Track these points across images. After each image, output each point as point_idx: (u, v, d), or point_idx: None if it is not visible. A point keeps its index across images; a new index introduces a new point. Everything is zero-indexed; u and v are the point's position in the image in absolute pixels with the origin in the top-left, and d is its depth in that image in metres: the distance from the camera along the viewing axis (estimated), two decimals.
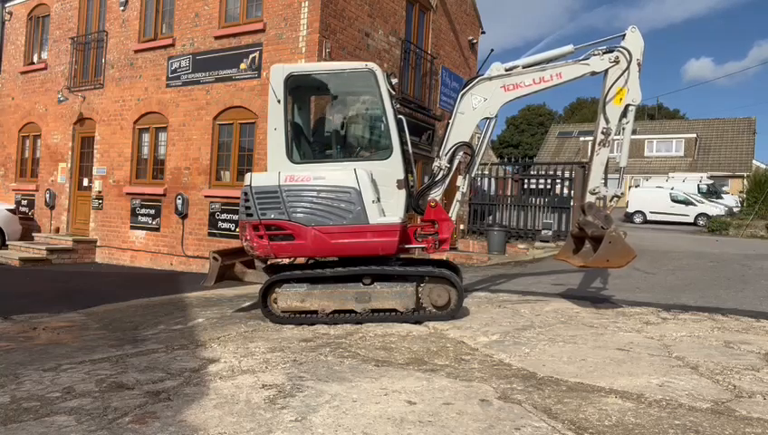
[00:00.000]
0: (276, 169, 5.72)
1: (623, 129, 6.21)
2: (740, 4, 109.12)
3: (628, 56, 6.07)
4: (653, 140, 40.47)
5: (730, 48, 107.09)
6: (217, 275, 6.11)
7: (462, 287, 5.97)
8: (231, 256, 6.33)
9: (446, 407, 3.38)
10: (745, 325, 5.76)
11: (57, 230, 14.72)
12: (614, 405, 3.40)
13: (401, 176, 5.77)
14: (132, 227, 13.10)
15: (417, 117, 13.53)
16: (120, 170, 13.47)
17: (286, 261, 6.25)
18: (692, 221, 24.82)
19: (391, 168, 5.76)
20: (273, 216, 5.56)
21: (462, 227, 15.11)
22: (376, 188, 5.61)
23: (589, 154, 6.42)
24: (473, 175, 6.61)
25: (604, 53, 6.11)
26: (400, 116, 5.87)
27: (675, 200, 26.05)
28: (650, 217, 25.99)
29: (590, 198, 6.25)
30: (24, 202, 15.74)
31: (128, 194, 13.21)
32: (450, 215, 6.22)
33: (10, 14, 16.47)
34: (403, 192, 5.77)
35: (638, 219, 25.90)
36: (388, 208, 5.67)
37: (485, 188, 16.18)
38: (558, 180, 14.77)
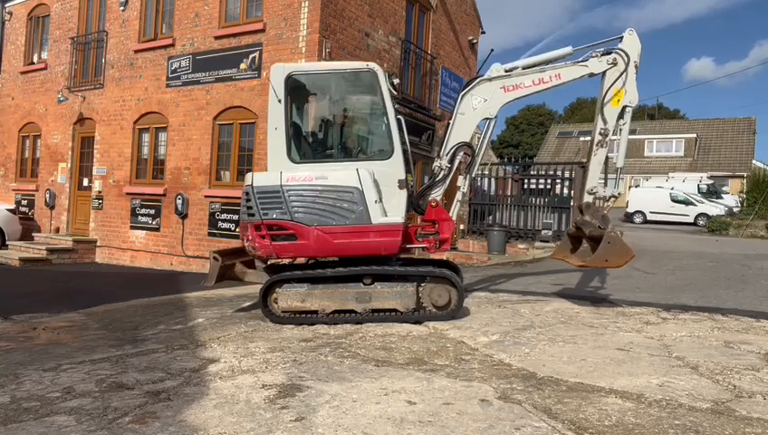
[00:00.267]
0: (277, 168, 5.71)
1: (620, 130, 6.28)
2: (740, 3, 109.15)
3: (625, 58, 6.14)
4: (653, 140, 40.47)
5: (731, 48, 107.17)
6: (218, 275, 6.11)
7: (462, 287, 5.97)
8: (231, 256, 6.33)
9: (446, 407, 3.38)
10: (745, 325, 5.76)
11: (57, 230, 14.72)
12: (614, 405, 3.40)
13: (402, 176, 5.77)
14: (132, 227, 13.10)
15: (417, 117, 13.53)
16: (119, 170, 13.47)
17: (286, 261, 6.25)
18: (692, 221, 24.82)
19: (392, 168, 5.76)
20: (275, 216, 5.55)
21: (462, 227, 15.12)
22: (378, 188, 5.61)
23: (587, 154, 6.50)
24: (473, 175, 6.61)
25: (602, 55, 6.17)
26: (399, 116, 5.88)
27: (675, 200, 26.05)
28: (650, 217, 25.99)
29: (587, 198, 6.31)
30: (24, 202, 15.74)
31: (128, 194, 13.21)
32: (451, 215, 6.23)
33: (10, 14, 16.47)
34: (404, 192, 5.77)
35: (637, 219, 25.89)
36: (390, 208, 5.66)
37: (485, 188, 16.18)
38: (558, 180, 14.76)
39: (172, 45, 12.50)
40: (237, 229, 11.20)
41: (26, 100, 15.94)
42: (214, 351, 4.74)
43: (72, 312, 6.85)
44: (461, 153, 6.23)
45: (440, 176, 6.21)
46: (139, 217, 12.98)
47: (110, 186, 13.64)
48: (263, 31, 11.06)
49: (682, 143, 39.65)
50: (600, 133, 6.21)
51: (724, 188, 32.52)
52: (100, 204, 13.82)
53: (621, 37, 6.20)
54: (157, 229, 12.61)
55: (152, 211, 12.73)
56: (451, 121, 6.24)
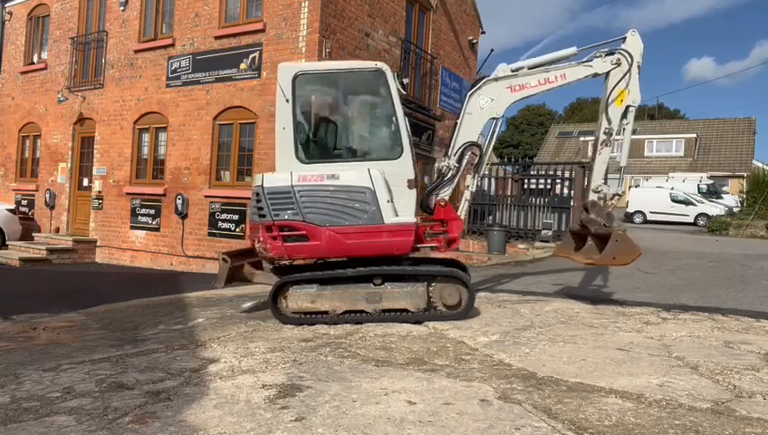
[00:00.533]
0: (284, 168, 5.67)
1: (623, 129, 6.35)
2: (740, 3, 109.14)
3: (629, 59, 6.19)
4: (653, 140, 40.46)
5: (731, 48, 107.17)
6: (227, 277, 6.10)
7: (473, 287, 5.95)
8: (239, 258, 6.30)
9: (446, 407, 3.38)
10: (745, 325, 5.76)
11: (57, 230, 14.72)
12: (614, 405, 3.40)
13: (412, 175, 5.76)
14: (132, 227, 13.10)
15: (418, 117, 13.53)
16: (120, 170, 13.47)
17: (298, 262, 6.23)
18: (692, 221, 24.82)
19: (402, 167, 5.73)
20: (286, 216, 5.52)
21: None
22: (389, 188, 5.60)
23: (591, 154, 6.56)
24: (481, 174, 6.65)
25: (606, 56, 6.23)
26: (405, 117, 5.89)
27: (675, 200, 26.05)
28: (650, 217, 25.99)
29: (592, 197, 6.35)
30: (24, 202, 15.74)
31: (128, 194, 13.22)
32: (459, 214, 6.24)
33: (10, 14, 16.47)
34: (414, 192, 5.76)
35: (638, 219, 25.90)
36: (400, 208, 5.65)
37: (485, 188, 16.18)
38: (558, 180, 14.76)
39: (172, 45, 12.50)
40: (238, 229, 11.21)
41: (26, 100, 15.94)
42: (214, 351, 4.74)
43: (72, 312, 6.85)
44: (469, 153, 6.24)
45: (448, 175, 6.21)
46: (139, 217, 12.99)
47: (110, 186, 13.64)
48: (263, 31, 11.07)
49: (682, 143, 39.65)
50: (605, 133, 6.28)
51: (724, 188, 32.52)
52: (100, 204, 13.83)
53: (624, 38, 6.26)
54: (157, 229, 12.62)
55: (152, 211, 12.73)
56: (458, 121, 6.24)
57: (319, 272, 5.76)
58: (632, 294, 7.69)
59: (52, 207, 14.93)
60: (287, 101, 5.72)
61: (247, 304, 7.04)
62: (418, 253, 6.30)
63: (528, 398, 3.52)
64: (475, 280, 9.03)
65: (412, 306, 5.66)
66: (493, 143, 6.48)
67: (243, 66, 11.31)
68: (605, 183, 6.36)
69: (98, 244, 13.79)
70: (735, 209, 24.67)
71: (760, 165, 36.09)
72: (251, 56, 11.22)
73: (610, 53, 6.22)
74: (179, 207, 12.07)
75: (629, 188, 31.13)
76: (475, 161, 6.28)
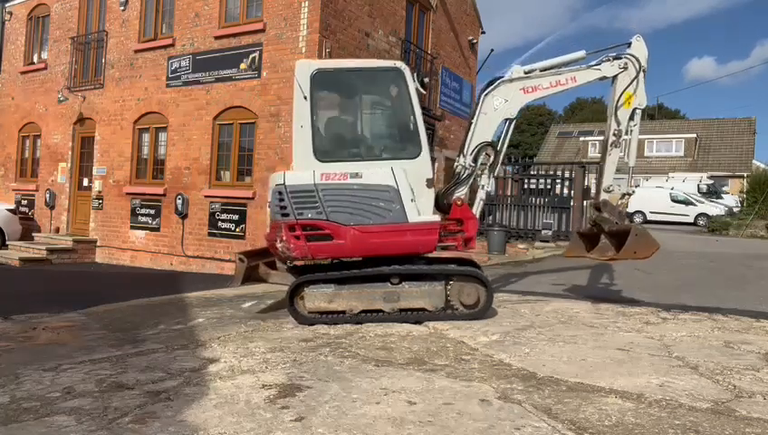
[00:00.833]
0: (303, 167, 5.59)
1: (631, 130, 6.54)
2: (742, 3, 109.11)
3: (636, 64, 6.37)
4: (653, 140, 40.42)
5: (732, 48, 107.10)
6: (243, 277, 6.08)
7: (491, 286, 5.94)
8: (254, 258, 6.28)
9: (446, 407, 3.38)
10: (745, 325, 5.76)
11: (57, 230, 14.73)
12: (614, 405, 3.40)
13: (430, 175, 5.78)
14: (132, 227, 13.10)
15: None
16: (120, 170, 13.47)
17: (309, 262, 6.21)
18: (692, 221, 24.83)
19: (420, 167, 5.73)
20: (310, 215, 5.46)
21: None
22: (411, 187, 5.61)
23: (600, 155, 6.73)
24: (495, 174, 6.73)
25: (614, 60, 6.38)
26: None
27: (675, 200, 26.05)
28: (650, 217, 25.99)
29: (604, 196, 6.49)
30: (24, 202, 15.74)
31: (128, 194, 13.22)
32: (475, 213, 6.26)
33: (10, 14, 16.47)
34: (432, 191, 5.77)
35: (638, 219, 25.88)
36: (420, 207, 5.65)
37: None
38: (558, 180, 14.76)
39: (172, 45, 12.50)
40: (237, 229, 11.21)
41: (26, 100, 15.94)
42: (214, 351, 4.74)
43: (72, 312, 6.84)
44: (484, 153, 6.27)
45: (464, 175, 6.23)
46: (139, 217, 12.99)
47: (111, 186, 13.64)
48: (263, 31, 11.07)
49: (682, 143, 39.63)
50: (614, 134, 6.46)
51: (724, 188, 32.51)
52: (100, 204, 13.83)
53: (629, 43, 6.43)
54: (157, 229, 12.62)
55: (152, 211, 12.73)
56: (473, 121, 6.27)
57: (337, 272, 5.70)
58: (632, 294, 7.69)
59: (52, 207, 14.93)
60: (305, 98, 5.62)
61: (247, 304, 7.04)
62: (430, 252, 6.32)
63: (528, 398, 3.52)
64: None
65: (430, 306, 5.66)
66: (507, 143, 6.53)
67: (243, 66, 11.31)
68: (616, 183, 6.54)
69: (98, 244, 13.79)
70: (735, 209, 24.68)
71: (760, 165, 36.12)
72: (251, 56, 11.22)
73: (617, 58, 6.37)
74: (179, 207, 12.07)
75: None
76: (490, 161, 6.31)
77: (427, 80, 6.02)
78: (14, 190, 16.14)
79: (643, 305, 6.78)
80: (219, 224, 11.57)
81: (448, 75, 15.40)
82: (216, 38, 11.75)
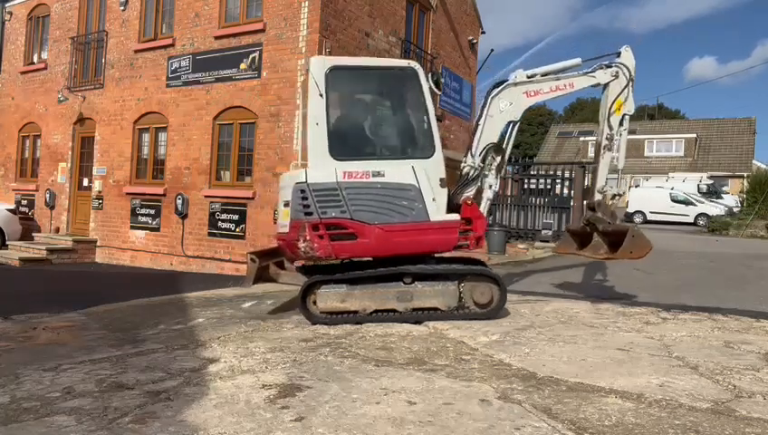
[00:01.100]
0: (318, 165, 5.53)
1: (621, 135, 6.86)
2: (743, 3, 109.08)
3: (627, 73, 6.70)
4: (653, 140, 40.45)
5: (733, 47, 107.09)
6: (255, 277, 6.07)
7: (505, 285, 5.94)
8: (265, 258, 6.25)
9: (446, 407, 3.38)
10: (745, 325, 5.76)
11: (57, 230, 14.72)
12: (614, 405, 3.40)
13: (443, 175, 5.81)
14: (132, 227, 13.10)
15: None
16: (120, 170, 13.47)
17: (334, 261, 6.21)
18: (692, 221, 24.83)
19: (434, 166, 5.76)
20: (334, 214, 5.42)
21: None
22: (431, 186, 5.65)
23: (594, 158, 7.06)
24: (502, 174, 6.90)
25: (606, 68, 6.71)
26: None
27: (675, 200, 26.05)
28: (650, 217, 25.99)
29: (598, 197, 6.74)
30: (24, 202, 15.74)
31: (128, 194, 13.22)
32: (483, 212, 6.31)
33: (10, 14, 16.47)
34: (445, 190, 5.80)
35: (638, 219, 25.88)
36: (438, 206, 5.72)
37: None
38: (558, 180, 14.76)
39: (172, 45, 12.50)
40: (237, 229, 11.21)
41: (26, 100, 15.94)
42: (214, 351, 4.74)
43: (72, 312, 6.84)
44: (491, 154, 6.35)
45: (473, 175, 6.28)
46: (139, 217, 12.99)
47: (111, 186, 13.64)
48: (263, 31, 11.07)
49: (682, 143, 39.65)
50: (607, 138, 6.80)
51: (724, 188, 32.52)
52: (100, 204, 13.83)
53: (619, 53, 6.79)
54: (157, 229, 12.62)
55: (152, 211, 12.73)
56: (481, 123, 6.37)
57: (356, 271, 5.68)
58: (632, 294, 7.69)
59: (52, 207, 14.92)
60: (321, 95, 5.57)
61: (247, 304, 7.05)
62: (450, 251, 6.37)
63: (528, 398, 3.52)
64: None
65: (443, 305, 5.67)
66: (511, 145, 6.67)
67: (243, 66, 11.31)
68: (609, 184, 6.82)
69: (98, 244, 13.78)
70: (735, 209, 24.67)
71: (760, 165, 36.13)
72: (251, 56, 11.22)
73: (609, 66, 6.71)
74: (179, 207, 12.07)
75: (630, 188, 31.12)
76: (497, 162, 6.39)
77: (442, 80, 6.05)
78: (14, 190, 16.14)
79: (643, 305, 6.79)
80: (219, 224, 11.57)
81: (448, 75, 15.39)
82: (216, 38, 11.75)
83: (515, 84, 6.42)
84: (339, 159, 5.57)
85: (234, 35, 11.52)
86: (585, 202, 7.23)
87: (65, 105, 14.76)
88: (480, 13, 17.20)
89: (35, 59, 15.97)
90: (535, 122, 59.61)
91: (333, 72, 5.68)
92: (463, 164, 6.36)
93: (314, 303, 5.68)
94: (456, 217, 5.75)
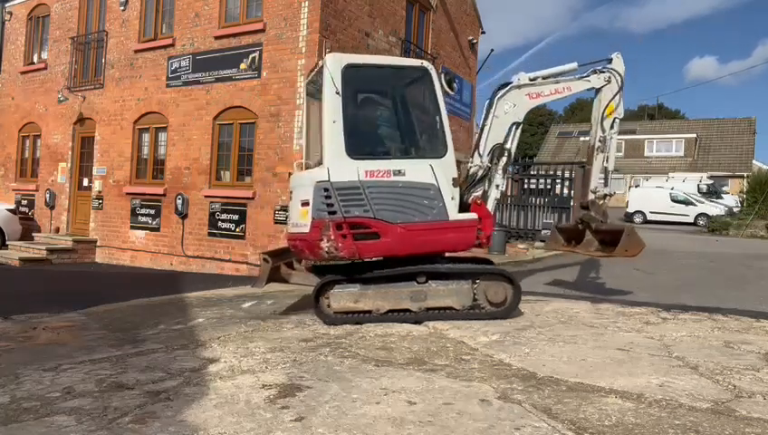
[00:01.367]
0: (334, 163, 5.47)
1: (611, 138, 7.12)
2: (743, 3, 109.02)
3: (618, 78, 6.94)
4: (653, 140, 40.46)
5: (734, 47, 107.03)
6: (267, 277, 6.07)
7: (519, 284, 5.96)
8: (276, 258, 6.23)
9: (446, 407, 3.38)
10: (745, 325, 5.76)
11: (57, 230, 14.72)
12: (614, 405, 3.40)
13: (456, 174, 5.85)
14: (132, 227, 13.10)
15: None
16: (120, 170, 13.46)
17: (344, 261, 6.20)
18: (692, 221, 24.82)
19: (447, 166, 5.79)
20: (357, 213, 5.40)
21: None
22: (448, 186, 5.69)
23: (587, 159, 7.30)
24: (508, 174, 7.10)
25: (600, 73, 6.97)
26: None
27: (675, 200, 26.05)
28: (650, 217, 25.98)
29: (591, 196, 6.99)
30: (24, 202, 15.74)
31: (128, 194, 13.21)
32: (490, 211, 6.37)
33: (10, 14, 16.46)
34: (457, 190, 5.84)
35: (638, 219, 25.89)
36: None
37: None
38: (558, 180, 14.76)
39: (172, 45, 12.50)
40: (237, 229, 11.20)
41: (26, 100, 15.94)
42: (214, 351, 4.74)
43: (72, 312, 6.85)
44: (497, 154, 6.42)
45: (480, 175, 6.34)
46: (139, 217, 12.98)
47: (110, 186, 13.64)
48: (263, 31, 11.06)
49: (682, 143, 39.65)
50: (600, 141, 7.06)
51: (724, 188, 32.53)
52: (100, 204, 13.82)
53: (611, 59, 7.06)
54: (157, 229, 12.61)
55: (152, 211, 12.73)
56: (487, 124, 6.44)
57: (371, 271, 5.66)
58: (632, 294, 7.70)
59: (52, 207, 14.92)
60: (337, 93, 5.53)
61: (247, 304, 7.05)
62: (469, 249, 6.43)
63: (528, 398, 3.52)
64: None
65: (457, 304, 5.67)
66: (515, 146, 6.77)
67: (243, 66, 11.30)
68: (602, 184, 7.08)
69: (98, 244, 13.77)
70: (735, 209, 24.68)
71: (760, 165, 36.13)
72: (251, 56, 11.21)
73: (602, 71, 6.97)
74: (179, 207, 12.07)
75: (629, 188, 31.12)
76: (502, 163, 6.47)
77: (455, 81, 6.09)
78: (14, 190, 16.13)
79: (643, 305, 6.79)
80: (219, 224, 11.56)
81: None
82: (216, 38, 11.75)
83: (519, 87, 6.56)
84: (355, 158, 5.52)
85: (234, 35, 11.51)
86: (579, 202, 7.50)
87: (65, 105, 14.76)
88: (480, 13, 17.20)
89: (35, 59, 15.96)
90: (535, 122, 59.61)
91: (349, 69, 5.65)
92: (470, 164, 6.40)
93: (328, 303, 5.67)
94: (473, 216, 5.80)
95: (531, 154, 47.38)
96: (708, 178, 31.30)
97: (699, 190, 28.04)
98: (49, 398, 3.56)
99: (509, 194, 15.58)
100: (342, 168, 5.46)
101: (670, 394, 3.59)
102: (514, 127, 6.55)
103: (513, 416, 3.23)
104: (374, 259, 5.82)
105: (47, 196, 14.94)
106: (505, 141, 6.51)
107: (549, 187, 14.96)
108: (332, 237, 5.38)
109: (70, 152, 14.72)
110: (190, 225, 12.03)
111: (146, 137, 13.25)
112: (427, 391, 3.66)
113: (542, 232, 13.98)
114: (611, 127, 7.07)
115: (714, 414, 3.26)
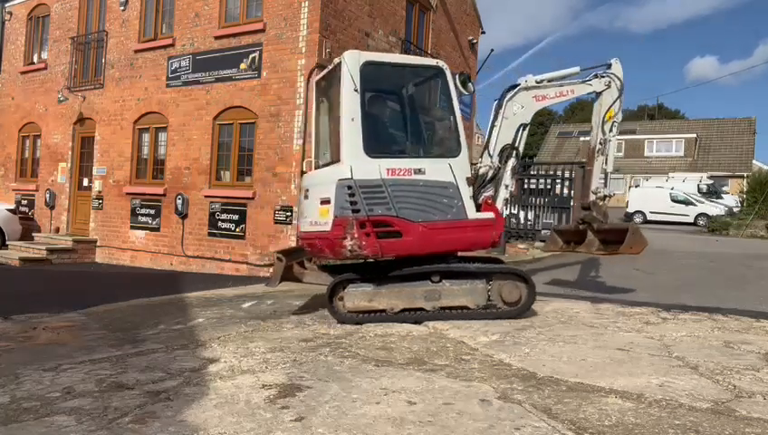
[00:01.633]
0: (355, 161, 5.44)
1: (610, 140, 7.27)
2: (744, 2, 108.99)
3: (618, 83, 7.08)
4: (653, 140, 40.46)
5: (735, 47, 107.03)
6: (281, 276, 6.07)
7: (533, 283, 5.96)
8: (288, 257, 6.23)
9: (446, 407, 3.38)
10: (745, 325, 5.76)
11: (57, 230, 14.72)
12: (614, 405, 3.40)
13: (469, 174, 5.91)
14: (132, 227, 13.09)
15: None
16: (120, 170, 13.46)
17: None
18: (692, 221, 24.82)
19: (462, 165, 5.83)
20: (380, 211, 5.39)
21: None
22: (465, 185, 5.73)
23: (587, 161, 7.47)
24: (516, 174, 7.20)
25: (601, 78, 7.13)
26: None
27: (675, 200, 26.04)
28: (650, 216, 25.98)
29: (592, 197, 7.10)
30: (24, 202, 15.73)
31: (128, 194, 13.21)
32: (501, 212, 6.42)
33: (10, 14, 16.46)
34: (471, 189, 5.88)
35: (638, 219, 25.87)
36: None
37: None
38: (558, 180, 14.75)
39: (172, 45, 12.49)
40: (237, 229, 11.20)
41: (26, 100, 15.93)
42: (214, 351, 4.74)
43: (72, 312, 6.85)
44: (506, 154, 6.49)
45: (490, 175, 6.37)
46: (139, 217, 12.98)
47: (111, 186, 13.64)
48: (263, 31, 11.06)
49: (682, 143, 39.65)
50: (600, 143, 7.23)
51: (724, 188, 32.53)
52: (100, 204, 13.82)
53: (609, 65, 7.21)
54: (157, 229, 12.61)
55: (152, 211, 12.72)
56: (497, 124, 6.52)
57: (392, 271, 5.65)
58: (632, 294, 7.70)
59: (52, 208, 14.92)
60: (356, 90, 5.51)
61: (247, 304, 7.05)
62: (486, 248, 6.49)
63: (528, 398, 3.52)
64: None
65: (471, 303, 5.68)
66: (522, 147, 6.86)
67: (243, 66, 11.30)
68: (602, 185, 7.22)
69: (98, 244, 13.77)
70: (735, 209, 24.67)
71: (760, 165, 36.13)
72: (251, 56, 11.21)
73: (602, 76, 7.12)
74: (179, 207, 12.07)
75: (629, 188, 31.11)
76: (511, 163, 6.54)
77: (471, 82, 6.13)
78: (14, 190, 16.13)
79: (643, 305, 6.79)
80: (219, 224, 11.56)
81: None
82: (216, 38, 11.74)
83: (527, 88, 6.68)
84: (373, 156, 5.51)
85: (234, 35, 11.51)
86: (580, 203, 7.63)
87: (65, 105, 14.75)
88: (480, 13, 17.20)
89: (35, 59, 15.95)
90: (535, 122, 59.60)
91: (367, 67, 5.63)
92: (479, 165, 6.42)
93: (341, 302, 5.66)
94: (490, 215, 5.84)
95: (531, 154, 47.36)
96: (708, 178, 31.29)
97: (699, 190, 28.04)
98: (49, 398, 3.56)
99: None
100: (364, 165, 5.43)
101: (670, 394, 3.59)
102: (522, 128, 6.65)
103: (513, 416, 3.23)
104: (382, 259, 5.80)
105: (47, 196, 14.93)
106: (514, 142, 6.59)
107: (549, 187, 14.95)
108: (356, 236, 5.33)
109: (70, 152, 14.72)
110: (190, 225, 12.03)
111: (146, 137, 13.25)
112: (427, 391, 3.66)
113: (542, 232, 13.97)
114: (610, 130, 7.24)
115: (714, 414, 3.26)
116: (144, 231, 12.86)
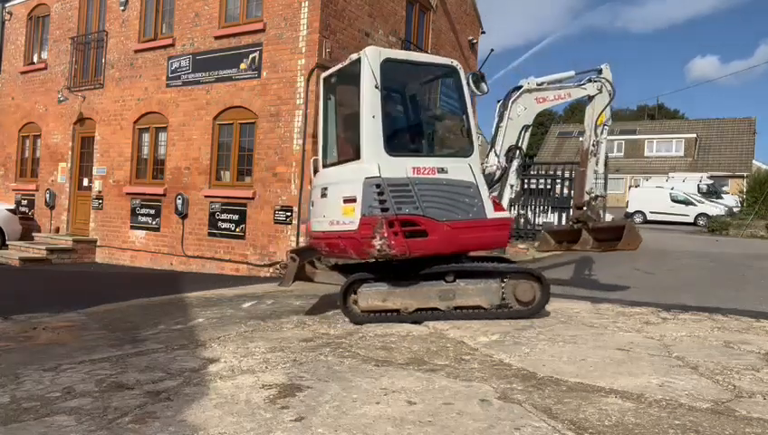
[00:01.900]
0: (372, 160, 5.40)
1: (601, 142, 7.49)
2: (745, 1, 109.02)
3: (609, 87, 7.29)
4: (653, 140, 40.46)
5: (736, 47, 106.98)
6: (294, 276, 6.05)
7: (548, 283, 5.95)
8: (302, 257, 6.21)
9: (446, 407, 3.38)
10: (745, 325, 5.76)
11: (57, 230, 14.72)
12: (614, 405, 3.40)
13: (481, 173, 5.96)
14: (132, 227, 13.09)
15: None
16: (120, 170, 13.46)
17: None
18: (692, 221, 24.82)
19: (477, 164, 5.90)
20: (408, 211, 5.37)
21: None
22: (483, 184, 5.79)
23: (581, 163, 7.71)
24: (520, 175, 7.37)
25: (594, 82, 7.36)
26: None
27: (675, 200, 26.04)
28: (650, 216, 25.98)
29: (587, 197, 7.28)
30: (24, 202, 15.73)
31: (128, 194, 13.21)
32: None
33: (10, 14, 16.46)
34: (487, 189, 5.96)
35: (638, 219, 25.87)
36: None
37: None
38: (558, 180, 14.76)
39: (172, 45, 12.49)
40: (237, 229, 11.20)
41: (26, 100, 15.93)
42: (214, 351, 4.74)
43: (72, 312, 6.84)
44: (511, 154, 6.59)
45: (497, 175, 6.45)
46: (139, 217, 12.98)
47: (110, 186, 13.64)
48: (263, 31, 11.06)
49: (682, 143, 39.65)
50: (593, 145, 7.47)
51: (724, 188, 32.53)
52: (100, 204, 13.82)
53: (600, 70, 7.43)
54: (157, 229, 12.61)
55: (152, 211, 12.72)
56: (503, 125, 6.62)
57: (405, 270, 5.65)
58: (632, 294, 7.70)
59: (52, 207, 14.91)
60: (376, 87, 5.45)
61: (247, 304, 7.05)
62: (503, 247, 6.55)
63: (528, 398, 3.52)
64: None
65: (486, 303, 5.68)
66: (525, 147, 7.01)
67: (243, 66, 11.29)
68: (596, 185, 7.43)
69: (98, 244, 13.77)
70: (735, 209, 24.67)
71: (760, 165, 36.13)
72: (251, 56, 11.21)
73: (595, 80, 7.33)
74: (179, 207, 12.07)
75: (629, 187, 31.11)
76: (516, 164, 6.67)
77: (484, 82, 6.16)
78: (14, 190, 16.12)
79: (643, 305, 6.79)
80: (219, 224, 11.55)
81: None
82: (216, 38, 11.74)
83: (530, 90, 6.83)
84: (393, 154, 5.48)
85: (234, 35, 11.51)
86: (574, 203, 7.82)
87: (65, 105, 14.75)
88: (480, 13, 17.20)
89: (35, 59, 15.95)
90: (536, 122, 59.59)
91: (388, 63, 5.61)
92: (485, 165, 6.41)
93: (355, 302, 5.65)
94: (506, 214, 5.93)
95: (531, 154, 47.32)
96: (708, 178, 31.29)
97: (699, 190, 28.04)
98: (49, 398, 3.56)
99: None
100: (390, 164, 5.39)
101: (670, 394, 3.59)
102: (524, 129, 6.75)
103: (513, 416, 3.23)
104: (395, 259, 5.77)
105: (47, 196, 14.93)
106: (518, 143, 6.67)
107: (549, 187, 14.96)
108: (385, 235, 5.26)
109: (70, 152, 14.71)
110: (190, 225, 12.03)
111: (146, 137, 13.24)
112: (427, 390, 3.66)
113: (542, 232, 13.98)
114: (602, 132, 7.47)
115: (714, 414, 3.26)
116: (144, 231, 12.86)
